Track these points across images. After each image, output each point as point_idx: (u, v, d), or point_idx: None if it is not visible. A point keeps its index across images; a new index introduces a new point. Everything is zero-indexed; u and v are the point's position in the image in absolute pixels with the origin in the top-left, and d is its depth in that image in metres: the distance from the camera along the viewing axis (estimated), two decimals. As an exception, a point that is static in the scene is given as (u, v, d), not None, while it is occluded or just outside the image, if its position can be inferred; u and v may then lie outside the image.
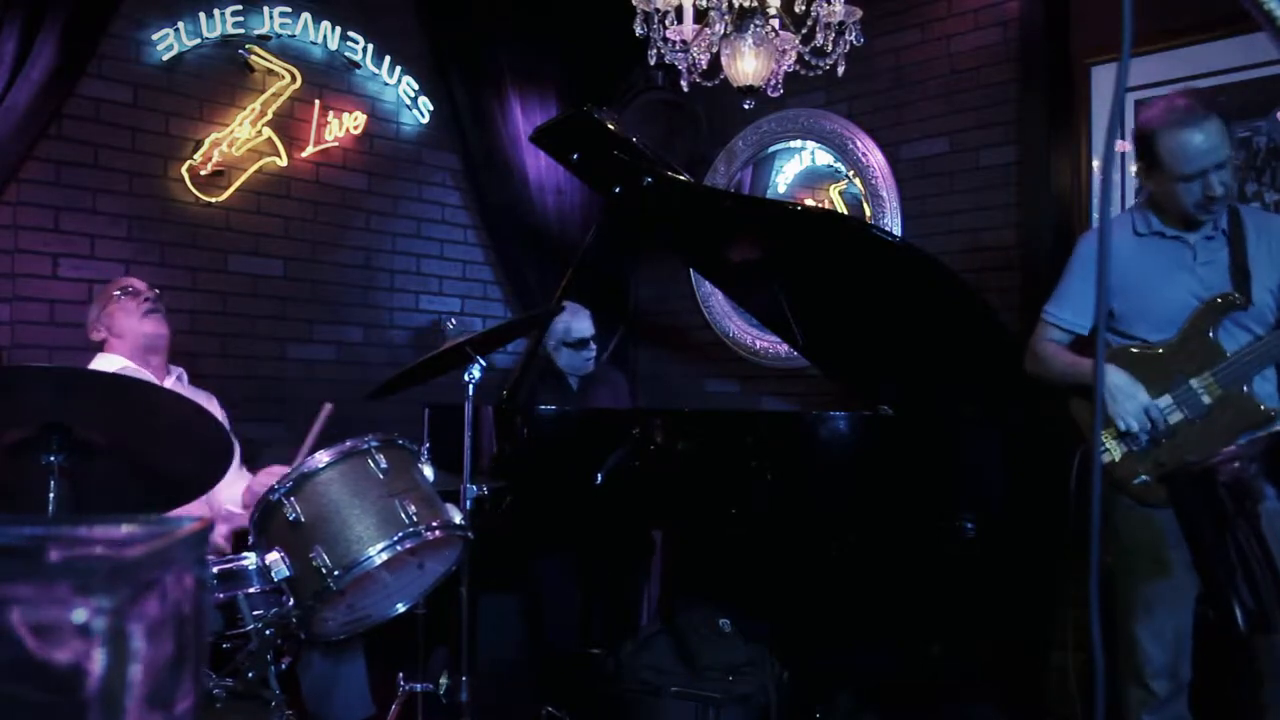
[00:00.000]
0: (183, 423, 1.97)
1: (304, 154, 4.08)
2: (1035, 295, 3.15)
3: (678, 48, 3.26)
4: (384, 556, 2.12)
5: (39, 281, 3.45)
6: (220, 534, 2.82)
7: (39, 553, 0.63)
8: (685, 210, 3.39)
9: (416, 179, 4.49)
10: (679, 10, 3.23)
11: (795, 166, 4.62)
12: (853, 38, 3.22)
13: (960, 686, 3.38)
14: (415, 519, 2.17)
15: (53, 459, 1.83)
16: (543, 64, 4.77)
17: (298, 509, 2.14)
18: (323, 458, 2.19)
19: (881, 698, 3.24)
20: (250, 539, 2.22)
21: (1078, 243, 2.75)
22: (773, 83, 3.35)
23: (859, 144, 4.24)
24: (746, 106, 3.46)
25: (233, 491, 2.82)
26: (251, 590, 2.12)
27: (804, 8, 3.25)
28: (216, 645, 2.25)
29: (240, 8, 3.84)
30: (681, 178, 3.29)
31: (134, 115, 3.65)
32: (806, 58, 3.28)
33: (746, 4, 3.19)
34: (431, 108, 4.47)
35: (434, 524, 2.21)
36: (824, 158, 4.46)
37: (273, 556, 2.11)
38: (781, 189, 4.67)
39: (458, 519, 2.32)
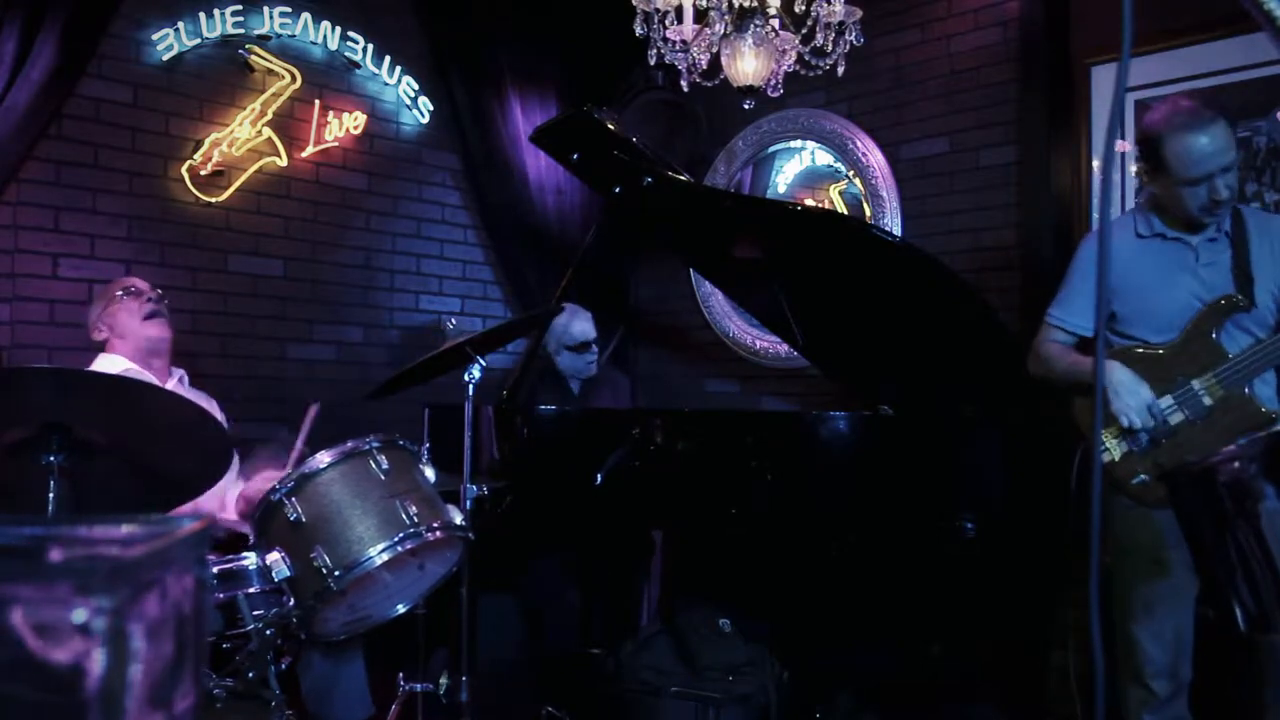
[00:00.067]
0: (182, 424, 1.97)
1: (304, 154, 4.08)
2: (1035, 295, 3.15)
3: (678, 48, 3.26)
4: (385, 557, 2.13)
5: (39, 281, 3.45)
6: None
7: (39, 553, 0.62)
8: (685, 210, 3.38)
9: (416, 179, 4.49)
10: (679, 10, 3.23)
11: (795, 166, 4.62)
12: (853, 38, 3.22)
13: (960, 686, 3.38)
14: (416, 520, 2.18)
15: (53, 459, 1.83)
16: (543, 64, 4.76)
17: (299, 509, 2.14)
18: (324, 458, 2.19)
19: (881, 698, 3.24)
20: (251, 539, 2.22)
21: (1079, 245, 2.76)
22: (773, 83, 3.35)
23: (859, 144, 4.24)
24: (746, 106, 3.46)
25: (227, 497, 2.83)
26: (252, 590, 2.12)
27: (804, 8, 3.26)
28: (216, 645, 2.25)
29: (240, 8, 3.84)
30: (681, 178, 3.29)
31: (134, 115, 3.65)
32: (806, 58, 3.28)
33: (746, 4, 3.19)
34: (431, 108, 4.47)
35: (435, 525, 2.21)
36: (824, 158, 4.46)
37: (273, 556, 2.12)
38: (781, 189, 4.67)
39: (458, 520, 2.32)
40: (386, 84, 4.34)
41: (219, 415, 2.84)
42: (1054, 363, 2.63)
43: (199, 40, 3.77)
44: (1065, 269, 2.73)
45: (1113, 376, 2.43)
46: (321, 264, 4.16)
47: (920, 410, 3.20)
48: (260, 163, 3.95)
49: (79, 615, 0.58)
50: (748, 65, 3.28)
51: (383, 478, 2.21)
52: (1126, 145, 3.51)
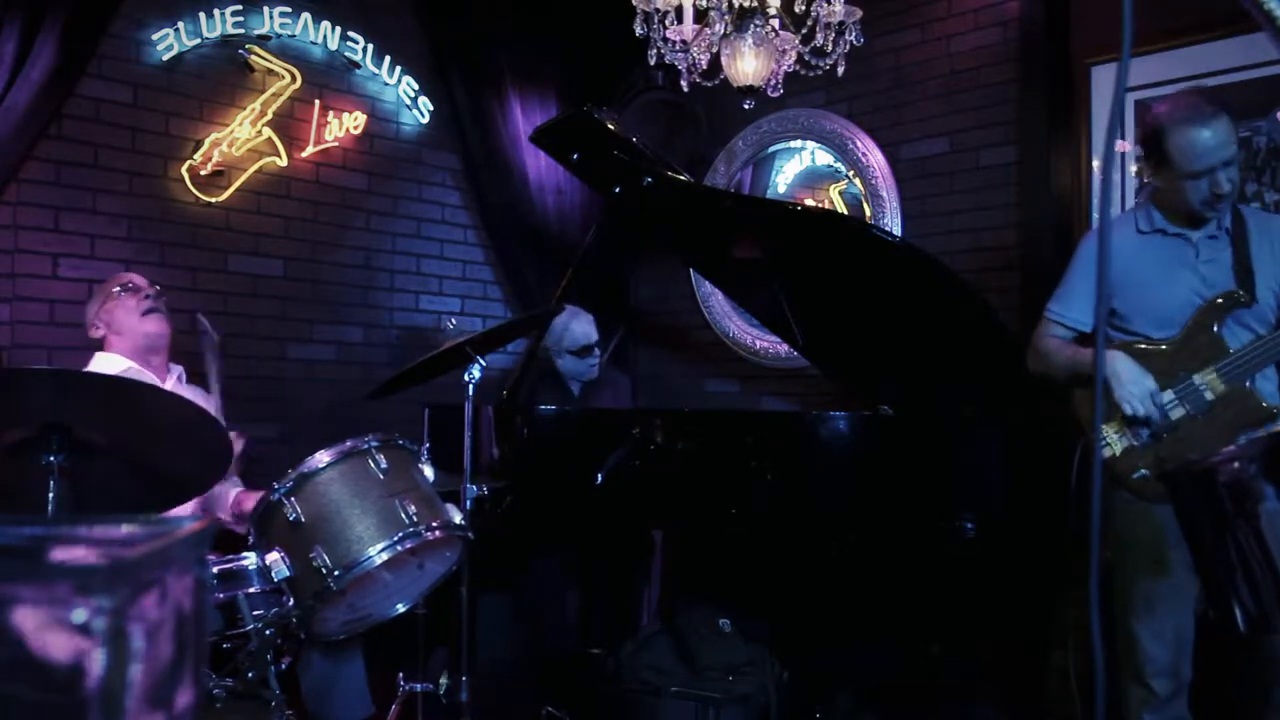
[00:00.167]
0: (182, 423, 1.97)
1: (304, 154, 4.08)
2: (1035, 295, 3.15)
3: (678, 48, 3.26)
4: (384, 556, 2.13)
5: (39, 281, 3.45)
6: None
7: (39, 553, 0.63)
8: (685, 210, 3.38)
9: (416, 179, 4.49)
10: (679, 10, 3.23)
11: (795, 166, 4.62)
12: (853, 38, 3.22)
13: (960, 686, 3.38)
14: (415, 519, 2.18)
15: (53, 459, 1.83)
16: (543, 64, 4.76)
17: (298, 509, 2.14)
18: (323, 458, 2.19)
19: (881, 698, 3.24)
20: (250, 539, 2.22)
21: (1080, 242, 2.76)
22: (773, 83, 3.35)
23: (859, 144, 4.24)
24: (746, 106, 3.46)
25: (223, 499, 2.83)
26: (251, 590, 2.12)
27: (804, 8, 3.25)
28: (216, 645, 2.25)
29: (240, 8, 3.84)
30: (681, 178, 3.29)
31: (134, 115, 3.65)
32: (806, 58, 3.28)
33: (746, 4, 3.19)
34: (431, 108, 4.47)
35: (434, 524, 2.21)
36: (824, 158, 4.46)
37: (273, 556, 2.12)
38: (781, 189, 4.67)
39: (458, 519, 2.32)
40: (386, 84, 4.34)
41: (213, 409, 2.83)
42: (1054, 356, 2.63)
43: (199, 40, 3.77)
44: (1065, 269, 2.73)
45: (1115, 365, 2.43)
46: (321, 264, 4.16)
47: (920, 410, 3.20)
48: (260, 163, 3.95)
49: (79, 615, 0.58)
50: (748, 65, 3.28)
51: (382, 477, 2.21)
52: (1126, 145, 3.51)
